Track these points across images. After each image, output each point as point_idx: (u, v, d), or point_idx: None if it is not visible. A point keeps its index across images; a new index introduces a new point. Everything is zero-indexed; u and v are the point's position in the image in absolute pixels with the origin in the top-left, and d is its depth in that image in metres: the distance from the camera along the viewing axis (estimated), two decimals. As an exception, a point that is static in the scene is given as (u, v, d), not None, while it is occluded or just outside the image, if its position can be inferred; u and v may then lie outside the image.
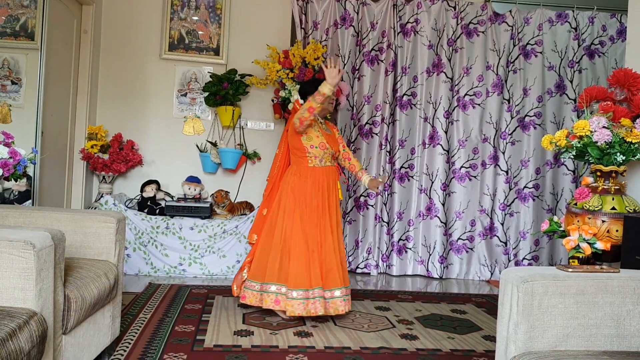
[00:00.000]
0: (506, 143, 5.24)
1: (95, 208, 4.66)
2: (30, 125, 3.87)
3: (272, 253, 3.45)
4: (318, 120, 3.67)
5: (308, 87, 3.74)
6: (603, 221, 2.71)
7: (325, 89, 3.33)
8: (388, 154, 5.20)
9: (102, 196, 4.75)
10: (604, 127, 2.67)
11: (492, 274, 5.20)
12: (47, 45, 3.94)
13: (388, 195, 5.21)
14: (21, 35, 3.90)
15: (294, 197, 3.51)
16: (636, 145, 2.67)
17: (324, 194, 3.54)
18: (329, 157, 3.60)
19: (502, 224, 5.25)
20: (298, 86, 4.56)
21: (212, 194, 4.90)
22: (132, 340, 2.89)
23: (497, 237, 5.25)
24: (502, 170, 5.24)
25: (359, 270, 5.17)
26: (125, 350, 2.73)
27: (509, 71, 5.25)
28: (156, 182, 4.86)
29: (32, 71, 3.91)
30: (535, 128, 5.25)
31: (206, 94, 5.00)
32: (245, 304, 3.51)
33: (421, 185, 5.19)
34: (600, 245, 2.67)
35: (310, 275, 3.37)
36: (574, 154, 2.82)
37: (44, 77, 3.92)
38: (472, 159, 5.23)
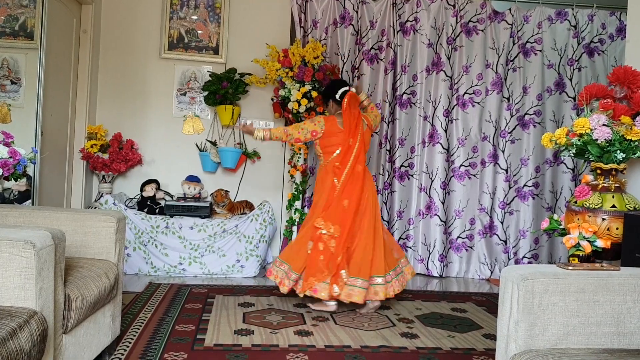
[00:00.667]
0: (506, 141, 5.24)
1: (95, 207, 4.66)
2: (30, 125, 3.87)
3: (379, 247, 3.71)
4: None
5: (328, 91, 3.97)
6: (603, 219, 2.71)
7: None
8: (388, 152, 5.20)
9: (102, 196, 4.75)
10: (604, 124, 2.67)
11: (492, 272, 5.21)
12: (47, 45, 3.94)
13: (388, 194, 5.21)
14: (20, 35, 3.90)
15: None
16: (636, 143, 2.67)
17: None
18: None
19: (502, 223, 5.25)
20: (298, 85, 4.57)
21: (212, 194, 4.89)
22: (132, 339, 2.89)
23: (497, 235, 5.25)
24: (501, 168, 5.24)
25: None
26: (125, 350, 2.73)
27: (508, 69, 5.25)
28: (156, 181, 4.86)
29: (32, 71, 3.90)
30: (534, 126, 5.25)
31: (206, 93, 5.00)
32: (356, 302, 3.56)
33: (421, 184, 5.19)
34: (600, 243, 2.68)
35: (385, 262, 3.72)
36: (574, 152, 2.83)
37: (43, 77, 3.92)
38: (472, 158, 5.23)
